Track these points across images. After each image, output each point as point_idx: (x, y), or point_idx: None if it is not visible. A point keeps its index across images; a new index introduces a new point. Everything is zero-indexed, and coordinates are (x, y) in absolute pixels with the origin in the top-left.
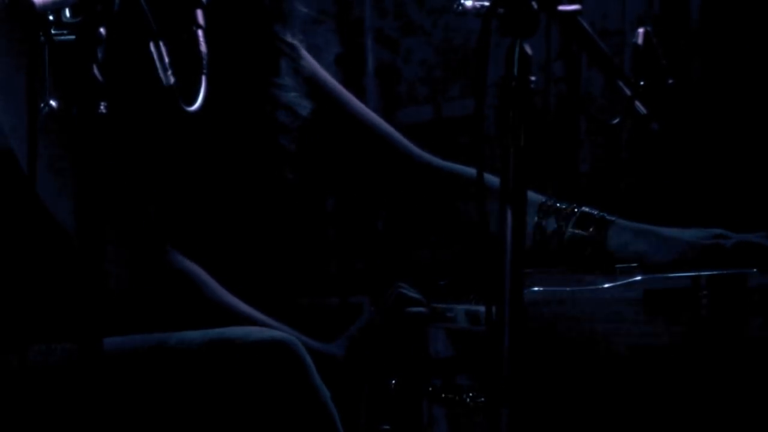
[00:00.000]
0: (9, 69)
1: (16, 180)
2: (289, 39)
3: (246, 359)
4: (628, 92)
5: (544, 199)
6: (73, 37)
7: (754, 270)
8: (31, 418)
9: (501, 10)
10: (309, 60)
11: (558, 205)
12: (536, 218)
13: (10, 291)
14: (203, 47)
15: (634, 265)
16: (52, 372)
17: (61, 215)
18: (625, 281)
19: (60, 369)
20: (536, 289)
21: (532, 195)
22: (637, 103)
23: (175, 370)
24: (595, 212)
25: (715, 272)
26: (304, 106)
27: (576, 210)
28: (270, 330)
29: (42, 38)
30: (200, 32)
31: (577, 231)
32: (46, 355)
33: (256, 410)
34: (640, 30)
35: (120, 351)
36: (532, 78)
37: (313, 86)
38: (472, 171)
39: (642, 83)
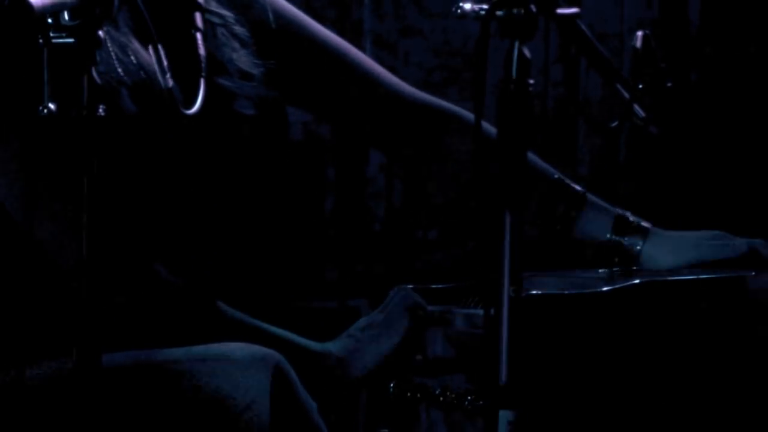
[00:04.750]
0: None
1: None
2: (215, 8)
3: (231, 375)
4: (626, 95)
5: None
6: (71, 40)
7: (752, 273)
8: None
9: (500, 13)
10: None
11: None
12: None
13: (6, 307)
14: (202, 50)
15: (634, 267)
16: (46, 389)
17: (40, 235)
18: (624, 283)
19: (55, 386)
20: (535, 292)
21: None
22: (636, 106)
23: (159, 386)
24: (631, 217)
25: (714, 275)
26: (257, 65)
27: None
28: (255, 346)
29: (40, 41)
30: (199, 35)
31: (615, 237)
32: (40, 372)
33: (242, 426)
34: (639, 33)
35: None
36: (531, 81)
37: (286, 30)
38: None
39: (641, 86)
